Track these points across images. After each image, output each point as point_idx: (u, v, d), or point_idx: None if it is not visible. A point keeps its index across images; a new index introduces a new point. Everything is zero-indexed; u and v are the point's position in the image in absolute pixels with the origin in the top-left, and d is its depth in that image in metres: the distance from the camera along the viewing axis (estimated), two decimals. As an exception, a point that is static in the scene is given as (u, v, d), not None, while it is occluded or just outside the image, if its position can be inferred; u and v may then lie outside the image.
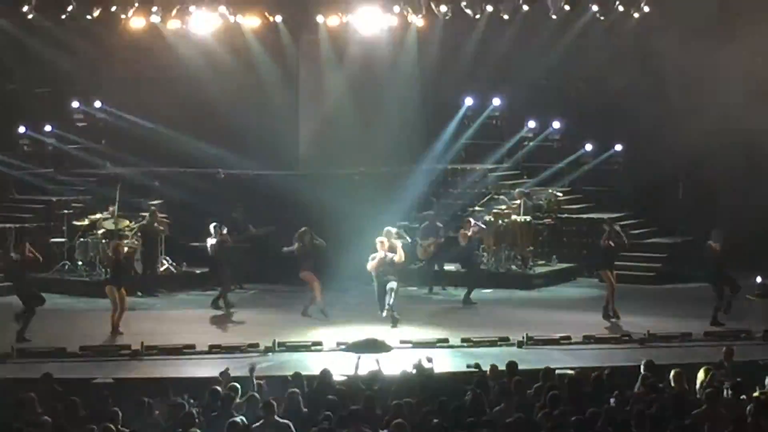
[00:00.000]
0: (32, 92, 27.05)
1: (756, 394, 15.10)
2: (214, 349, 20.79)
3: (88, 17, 25.70)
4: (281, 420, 14.01)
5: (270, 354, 20.31)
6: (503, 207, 27.59)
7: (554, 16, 27.65)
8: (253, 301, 25.59)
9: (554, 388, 15.12)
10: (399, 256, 22.61)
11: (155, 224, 26.01)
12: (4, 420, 14.57)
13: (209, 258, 24.75)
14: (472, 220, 25.74)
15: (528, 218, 27.32)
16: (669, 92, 27.29)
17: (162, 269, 26.45)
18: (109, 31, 26.63)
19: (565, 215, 28.56)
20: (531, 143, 29.91)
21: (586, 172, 28.90)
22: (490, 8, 27.89)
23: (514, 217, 27.17)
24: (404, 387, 15.94)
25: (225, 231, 25.02)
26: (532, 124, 29.59)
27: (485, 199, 28.37)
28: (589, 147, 28.70)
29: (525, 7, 27.82)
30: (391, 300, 22.32)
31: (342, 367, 18.32)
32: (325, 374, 16.19)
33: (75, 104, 27.53)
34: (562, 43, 28.32)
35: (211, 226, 24.56)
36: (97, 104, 27.73)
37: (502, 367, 16.97)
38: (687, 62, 26.41)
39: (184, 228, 26.58)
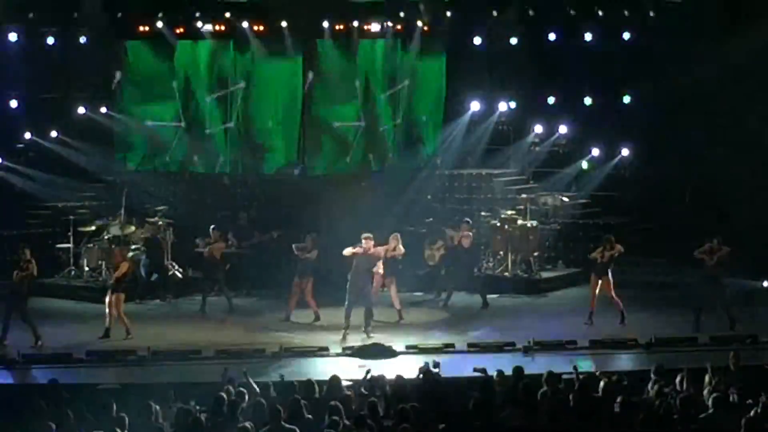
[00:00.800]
0: (38, 97, 27.03)
1: (764, 398, 15.06)
2: (221, 354, 20.80)
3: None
4: (288, 425, 14.00)
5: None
6: (509, 212, 27.58)
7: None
8: (259, 306, 25.59)
9: (560, 393, 15.11)
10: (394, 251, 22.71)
11: (159, 235, 26.07)
12: (11, 426, 14.59)
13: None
14: (465, 224, 25.69)
15: (534, 223, 27.31)
16: (676, 97, 27.23)
17: (168, 274, 26.44)
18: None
19: (571, 220, 28.52)
20: (537, 148, 29.87)
21: (593, 176, 28.83)
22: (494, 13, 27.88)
23: (520, 221, 27.16)
24: (410, 392, 15.93)
25: (230, 236, 25.12)
26: (538, 128, 29.55)
27: (491, 204, 28.40)
28: (596, 152, 28.65)
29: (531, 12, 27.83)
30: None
31: (348, 372, 18.32)
32: (335, 381, 16.17)
33: (81, 110, 27.53)
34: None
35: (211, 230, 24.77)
36: (103, 110, 27.72)
37: (508, 372, 16.96)
38: (694, 65, 26.36)
39: (189, 233, 26.57)
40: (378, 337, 21.83)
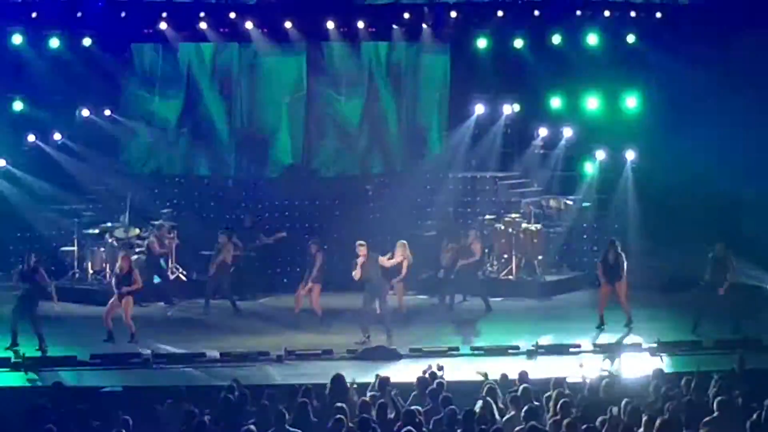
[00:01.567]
0: (42, 100, 27.03)
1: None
2: (225, 357, 20.80)
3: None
4: (292, 428, 13.99)
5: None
6: (514, 215, 27.56)
7: None
8: (263, 308, 25.58)
9: (564, 397, 15.10)
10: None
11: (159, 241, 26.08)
12: (16, 429, 14.60)
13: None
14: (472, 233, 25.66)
15: (538, 226, 27.28)
16: (679, 101, 27.21)
17: (172, 277, 26.44)
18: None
19: (576, 223, 28.48)
20: (542, 151, 29.85)
21: (597, 179, 28.81)
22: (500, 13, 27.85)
23: (524, 225, 27.13)
24: (415, 395, 15.92)
25: (235, 238, 25.11)
26: (543, 132, 29.53)
27: (495, 208, 28.40)
28: (600, 155, 28.63)
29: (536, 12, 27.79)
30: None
31: (352, 374, 18.30)
32: (338, 381, 16.16)
33: (85, 113, 27.55)
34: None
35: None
36: (107, 113, 27.74)
37: (512, 375, 16.94)
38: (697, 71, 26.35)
39: (194, 236, 26.57)
40: (382, 340, 21.80)
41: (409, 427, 13.45)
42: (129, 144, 27.98)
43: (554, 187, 29.27)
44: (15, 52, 26.10)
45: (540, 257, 27.16)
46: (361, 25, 27.20)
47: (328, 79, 27.97)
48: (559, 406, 14.76)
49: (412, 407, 14.55)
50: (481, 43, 28.04)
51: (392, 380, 16.83)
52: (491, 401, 15.29)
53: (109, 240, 26.09)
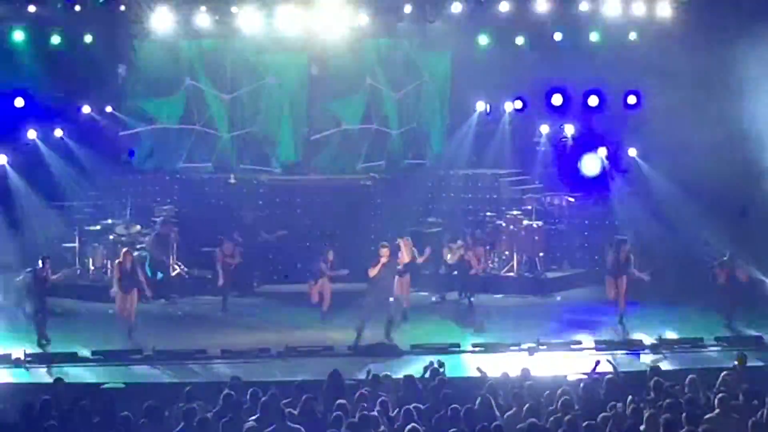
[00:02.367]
0: (43, 96, 27.02)
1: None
2: (225, 354, 20.82)
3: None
4: (293, 425, 14.00)
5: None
6: (515, 212, 27.57)
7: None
8: (264, 305, 25.60)
9: (565, 394, 15.10)
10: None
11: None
12: (17, 425, 14.60)
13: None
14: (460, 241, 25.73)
15: (540, 223, 27.29)
16: (685, 99, 27.17)
17: (173, 274, 26.45)
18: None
19: (577, 220, 28.49)
20: (543, 148, 29.86)
21: (598, 176, 28.80)
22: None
23: (525, 222, 27.15)
24: (416, 392, 15.92)
25: (236, 235, 25.15)
26: (544, 129, 29.53)
27: (497, 205, 28.41)
28: (602, 152, 28.62)
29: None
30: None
31: (352, 371, 18.32)
32: (335, 377, 16.17)
33: (86, 109, 27.54)
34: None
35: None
36: (108, 109, 27.73)
37: (513, 372, 16.95)
38: (705, 69, 26.29)
39: (195, 233, 26.58)
40: (383, 337, 21.81)
41: (412, 425, 13.44)
42: (130, 141, 27.94)
43: (555, 183, 29.26)
44: (16, 49, 26.08)
45: (541, 254, 27.17)
46: (362, 21, 27.14)
47: (329, 77, 27.93)
48: (560, 403, 14.76)
49: (413, 404, 14.53)
50: (483, 40, 28.00)
51: (393, 377, 16.85)
52: (492, 398, 15.28)
53: (111, 237, 26.10)
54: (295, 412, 14.43)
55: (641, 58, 27.61)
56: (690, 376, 16.22)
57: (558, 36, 27.87)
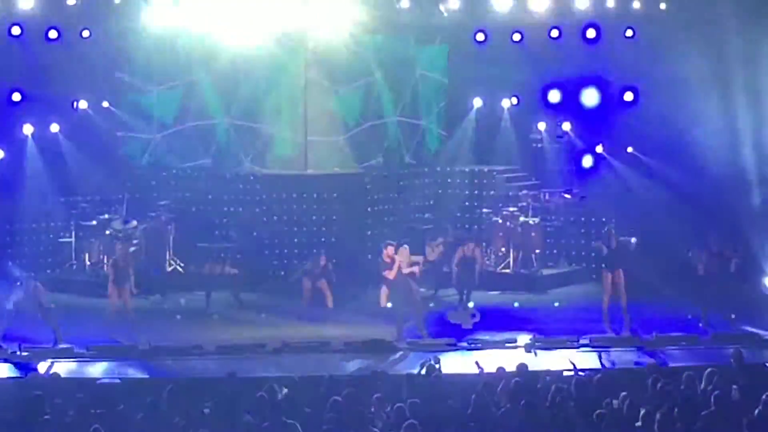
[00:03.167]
0: (40, 91, 27.00)
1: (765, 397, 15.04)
2: (222, 350, 20.81)
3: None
4: (288, 421, 14.00)
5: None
6: (512, 208, 27.57)
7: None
8: (260, 301, 25.57)
9: (561, 390, 15.11)
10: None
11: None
12: (13, 420, 14.60)
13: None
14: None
15: (536, 220, 27.30)
16: (682, 96, 27.17)
17: (169, 269, 26.43)
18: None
19: (574, 217, 28.49)
20: (540, 145, 29.87)
21: (595, 172, 28.82)
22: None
23: (521, 218, 27.15)
24: (412, 388, 15.93)
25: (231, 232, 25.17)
26: (542, 126, 29.55)
27: (493, 201, 28.43)
28: (599, 149, 28.64)
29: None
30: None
31: (350, 367, 18.34)
32: (333, 376, 16.19)
33: (83, 104, 27.51)
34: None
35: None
36: (105, 104, 27.71)
37: (509, 368, 16.95)
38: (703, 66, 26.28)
39: (191, 228, 26.56)
40: (379, 333, 21.81)
41: (410, 421, 13.45)
42: (127, 136, 27.93)
43: (552, 180, 29.27)
44: (14, 44, 26.05)
45: (537, 251, 27.18)
46: (360, 17, 27.16)
47: (327, 72, 27.93)
48: (555, 399, 14.76)
49: (409, 401, 14.54)
50: (480, 36, 28.00)
51: (389, 373, 16.86)
52: (488, 395, 15.29)
53: (107, 232, 26.09)
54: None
55: (638, 55, 27.63)
56: (686, 373, 16.23)
57: (555, 33, 27.86)
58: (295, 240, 26.73)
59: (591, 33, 27.80)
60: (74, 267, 26.44)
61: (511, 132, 29.80)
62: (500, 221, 27.20)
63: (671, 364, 19.09)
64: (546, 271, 27.26)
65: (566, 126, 29.22)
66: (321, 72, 27.89)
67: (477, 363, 17.31)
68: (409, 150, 29.01)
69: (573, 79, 28.65)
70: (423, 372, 17.07)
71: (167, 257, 26.40)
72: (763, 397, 14.75)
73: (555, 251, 28.14)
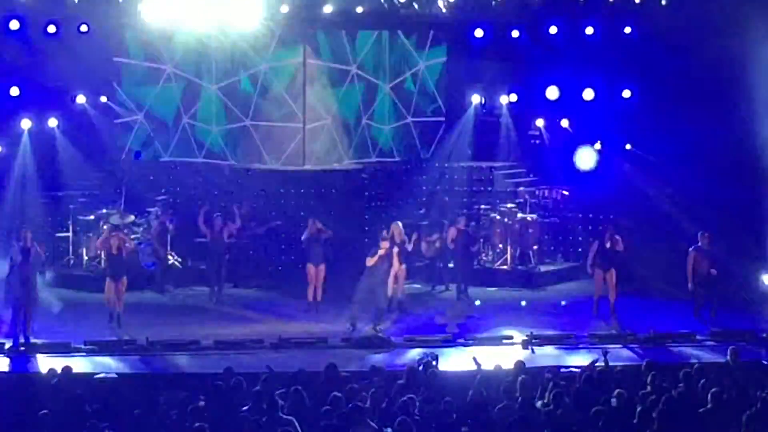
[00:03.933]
0: (38, 86, 26.97)
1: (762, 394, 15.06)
2: (219, 345, 20.82)
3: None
4: (285, 416, 14.01)
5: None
6: (509, 205, 27.58)
7: None
8: (256, 296, 25.59)
9: (558, 387, 15.11)
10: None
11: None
12: (10, 415, 14.61)
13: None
14: (461, 219, 25.73)
15: (534, 216, 27.31)
16: (676, 93, 27.16)
17: (167, 264, 26.43)
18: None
19: (571, 214, 28.50)
20: (538, 141, 29.87)
21: (593, 170, 28.80)
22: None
23: (519, 215, 27.17)
24: (408, 384, 15.93)
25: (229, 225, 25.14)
26: (540, 122, 29.55)
27: (491, 197, 28.43)
28: (597, 146, 28.65)
29: None
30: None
31: (345, 363, 18.33)
32: (331, 370, 16.19)
33: (81, 99, 27.49)
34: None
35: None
36: (103, 99, 27.68)
37: (506, 365, 16.96)
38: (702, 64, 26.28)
39: (189, 223, 26.55)
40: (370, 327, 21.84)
41: (402, 417, 13.46)
42: (125, 131, 27.90)
43: (550, 177, 29.27)
44: (12, 38, 26.02)
45: (535, 247, 27.19)
46: (359, 13, 27.15)
47: (325, 69, 27.91)
48: (552, 396, 14.77)
49: (406, 397, 14.54)
50: (478, 33, 27.99)
51: (386, 369, 16.87)
52: (484, 391, 15.30)
53: (105, 226, 26.07)
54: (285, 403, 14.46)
55: (637, 52, 27.62)
56: (683, 370, 16.24)
57: (553, 29, 27.86)
58: (293, 235, 26.69)
59: (590, 30, 27.81)
60: (72, 262, 26.43)
61: (509, 128, 29.77)
62: (498, 217, 27.20)
63: (668, 362, 19.07)
64: (544, 268, 27.28)
65: (565, 122, 29.21)
66: (320, 68, 27.86)
67: (475, 359, 17.27)
68: (406, 146, 28.94)
69: (572, 75, 28.63)
70: (420, 368, 17.08)
71: (165, 252, 26.37)
72: (760, 394, 14.78)
73: (552, 248, 28.16)
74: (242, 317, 23.56)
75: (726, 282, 23.54)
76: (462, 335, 21.71)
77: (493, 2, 27.72)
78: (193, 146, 27.84)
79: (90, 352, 20.39)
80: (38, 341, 20.86)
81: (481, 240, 27.02)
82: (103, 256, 24.58)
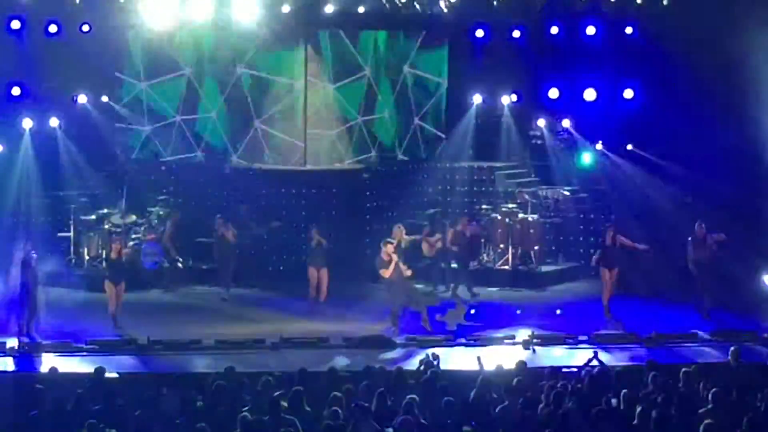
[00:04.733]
0: (39, 85, 26.98)
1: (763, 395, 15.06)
2: (220, 345, 20.82)
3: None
4: (287, 416, 14.01)
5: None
6: (511, 205, 27.58)
7: None
8: (258, 296, 25.59)
9: (559, 387, 15.11)
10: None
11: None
12: (11, 414, 14.61)
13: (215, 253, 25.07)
14: (466, 219, 25.74)
15: (535, 216, 27.31)
16: (677, 93, 27.16)
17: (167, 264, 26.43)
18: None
19: (573, 214, 28.49)
20: (540, 141, 29.87)
21: (595, 170, 28.81)
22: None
23: (521, 215, 27.17)
24: (410, 384, 15.94)
25: (230, 226, 25.13)
26: (541, 122, 29.55)
27: (493, 198, 28.44)
28: (599, 146, 28.66)
29: None
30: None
31: (347, 363, 18.33)
32: (332, 372, 16.20)
33: (83, 99, 27.50)
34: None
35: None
36: (105, 99, 27.70)
37: (507, 365, 16.96)
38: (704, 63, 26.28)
39: (190, 223, 26.56)
40: (377, 329, 21.83)
41: (406, 416, 13.46)
42: (126, 131, 27.92)
43: (551, 177, 29.27)
44: (13, 38, 26.03)
45: (536, 247, 27.18)
46: (360, 13, 27.16)
47: (327, 68, 27.92)
48: (553, 396, 14.77)
49: (408, 397, 14.54)
50: (479, 33, 28.00)
51: (387, 369, 16.87)
52: (486, 391, 15.30)
53: (106, 226, 26.09)
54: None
55: (638, 52, 27.62)
56: (684, 370, 16.24)
57: (555, 29, 27.87)
58: (294, 235, 26.69)
59: (591, 30, 27.81)
60: (73, 261, 26.44)
61: (510, 129, 29.77)
62: (499, 218, 27.20)
63: (670, 362, 19.07)
64: (545, 268, 27.28)
65: (566, 123, 29.21)
66: (320, 67, 27.86)
67: (479, 359, 17.26)
68: (407, 146, 28.94)
69: (573, 76, 28.63)
70: (422, 368, 17.08)
71: (177, 253, 26.37)
72: (761, 395, 14.78)
73: (554, 248, 28.15)
74: (244, 317, 23.56)
75: (726, 282, 23.52)
76: (463, 335, 21.70)
77: (495, 2, 27.74)
78: (194, 145, 27.84)
79: (91, 352, 20.40)
80: (41, 341, 20.89)
81: (483, 240, 27.04)
82: (104, 258, 24.60)
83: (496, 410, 14.68)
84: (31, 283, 21.57)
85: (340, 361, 18.90)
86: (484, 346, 20.91)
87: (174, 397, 15.23)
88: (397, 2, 27.49)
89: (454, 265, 25.93)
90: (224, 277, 25.11)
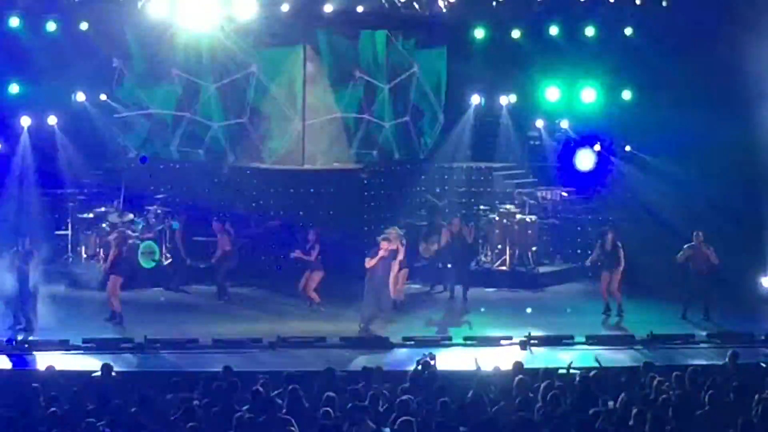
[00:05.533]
0: (38, 83, 26.99)
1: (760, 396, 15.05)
2: (217, 344, 20.82)
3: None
4: (284, 416, 14.00)
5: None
6: (508, 206, 27.58)
7: None
8: (255, 295, 25.59)
9: (555, 388, 15.11)
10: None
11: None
12: (8, 411, 14.59)
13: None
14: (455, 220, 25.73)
15: (533, 218, 27.30)
16: (675, 94, 27.17)
17: (166, 263, 26.43)
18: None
19: (570, 215, 28.50)
20: (538, 142, 29.88)
21: (593, 170, 28.83)
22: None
23: (519, 216, 27.16)
24: (407, 384, 15.93)
25: (228, 225, 25.12)
26: (540, 123, 29.56)
27: (491, 198, 28.44)
28: (597, 147, 28.67)
29: None
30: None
31: (343, 363, 18.33)
32: (330, 373, 16.18)
33: (81, 97, 27.50)
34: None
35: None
36: (103, 97, 27.69)
37: (504, 366, 16.95)
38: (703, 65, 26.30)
39: (188, 222, 26.55)
40: (374, 329, 21.83)
41: (405, 417, 13.45)
42: (124, 129, 27.91)
43: (549, 178, 29.28)
44: (12, 35, 26.04)
45: (534, 248, 27.18)
46: (359, 13, 27.17)
47: (325, 69, 27.91)
48: (549, 397, 14.77)
49: (404, 397, 14.54)
50: (478, 33, 28.01)
51: (385, 369, 16.86)
52: (483, 392, 15.29)
53: (103, 225, 26.09)
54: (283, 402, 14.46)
55: (637, 53, 27.64)
56: (677, 373, 16.23)
57: (553, 30, 27.88)
58: (291, 235, 26.67)
59: (590, 31, 27.83)
60: (71, 260, 26.44)
61: (509, 129, 29.78)
62: (497, 218, 27.19)
63: (666, 363, 19.07)
64: (542, 269, 27.28)
65: (564, 124, 29.22)
66: (320, 67, 27.86)
67: (476, 360, 17.27)
68: (405, 147, 28.93)
69: (571, 76, 28.65)
70: (419, 368, 17.08)
71: (164, 251, 26.37)
72: (758, 397, 14.77)
73: (551, 249, 28.15)
74: (241, 316, 23.55)
75: (725, 283, 23.53)
76: (460, 335, 21.70)
77: (494, 2, 27.76)
78: (193, 144, 27.83)
79: (88, 350, 20.39)
80: (37, 339, 20.88)
81: (480, 241, 27.04)
82: (101, 254, 24.59)
83: (493, 411, 14.67)
84: (29, 281, 21.57)
85: (337, 361, 18.85)
86: (481, 346, 20.89)
87: (171, 396, 15.21)
88: (396, 2, 27.53)
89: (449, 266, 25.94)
90: (221, 283, 25.07)
